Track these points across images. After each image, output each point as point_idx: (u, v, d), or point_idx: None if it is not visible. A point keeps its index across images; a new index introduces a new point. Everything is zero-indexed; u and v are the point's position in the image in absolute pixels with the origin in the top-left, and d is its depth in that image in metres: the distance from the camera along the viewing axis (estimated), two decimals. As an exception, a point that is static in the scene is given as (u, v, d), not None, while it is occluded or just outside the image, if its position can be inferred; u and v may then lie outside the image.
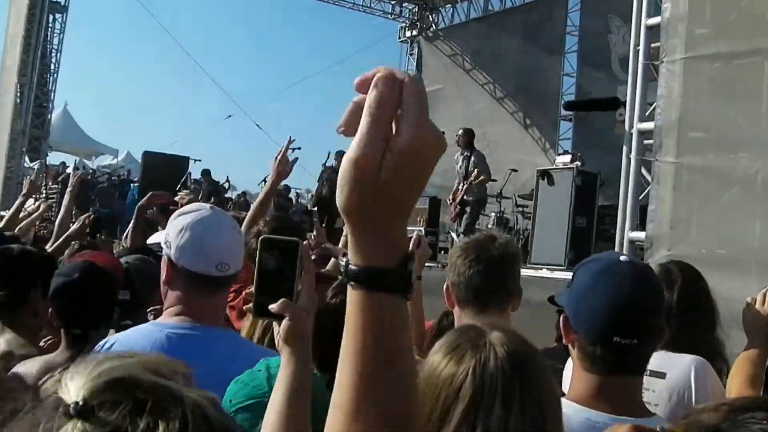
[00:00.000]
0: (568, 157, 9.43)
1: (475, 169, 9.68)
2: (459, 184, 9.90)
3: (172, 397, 0.62)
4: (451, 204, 10.07)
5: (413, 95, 0.74)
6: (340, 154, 12.40)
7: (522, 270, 2.26)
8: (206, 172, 15.30)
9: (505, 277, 2.09)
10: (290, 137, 3.15)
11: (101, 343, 1.83)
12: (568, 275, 1.76)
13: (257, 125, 19.26)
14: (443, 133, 0.79)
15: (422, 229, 10.70)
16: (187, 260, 1.79)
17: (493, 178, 10.07)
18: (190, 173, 14.30)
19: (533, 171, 9.69)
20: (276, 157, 3.01)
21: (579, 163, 9.06)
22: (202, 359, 1.52)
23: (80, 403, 0.61)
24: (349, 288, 0.77)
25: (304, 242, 1.37)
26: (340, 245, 3.36)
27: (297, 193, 18.17)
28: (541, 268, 8.43)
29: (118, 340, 1.81)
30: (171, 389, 0.63)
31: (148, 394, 0.61)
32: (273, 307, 1.31)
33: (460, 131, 9.94)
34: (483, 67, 16.66)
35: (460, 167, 9.86)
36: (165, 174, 13.17)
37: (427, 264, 3.81)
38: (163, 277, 1.84)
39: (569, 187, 8.79)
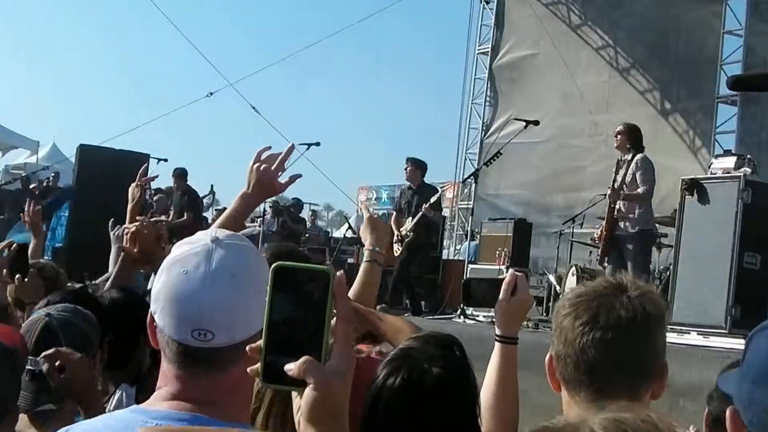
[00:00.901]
0: (731, 161, 9.34)
1: (636, 173, 9.57)
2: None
3: None
4: (599, 237, 10.01)
5: None
6: (414, 163, 12.58)
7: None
8: (181, 175, 15.56)
9: (639, 348, 2.09)
10: (292, 144, 3.23)
11: None
12: (734, 343, 1.73)
13: (253, 108, 19.50)
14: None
15: (504, 268, 10.66)
16: (161, 319, 1.79)
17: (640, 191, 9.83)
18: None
19: (676, 181, 9.64)
20: (252, 165, 3.03)
21: (749, 170, 8.99)
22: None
23: None
24: None
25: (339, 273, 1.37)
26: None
27: (313, 210, 18.31)
28: (687, 332, 8.39)
29: None
30: None
31: None
32: (291, 367, 1.31)
33: (620, 127, 9.89)
34: (597, 23, 16.73)
35: (617, 179, 9.79)
36: (113, 179, 13.22)
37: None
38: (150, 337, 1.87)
39: (733, 206, 8.68)
